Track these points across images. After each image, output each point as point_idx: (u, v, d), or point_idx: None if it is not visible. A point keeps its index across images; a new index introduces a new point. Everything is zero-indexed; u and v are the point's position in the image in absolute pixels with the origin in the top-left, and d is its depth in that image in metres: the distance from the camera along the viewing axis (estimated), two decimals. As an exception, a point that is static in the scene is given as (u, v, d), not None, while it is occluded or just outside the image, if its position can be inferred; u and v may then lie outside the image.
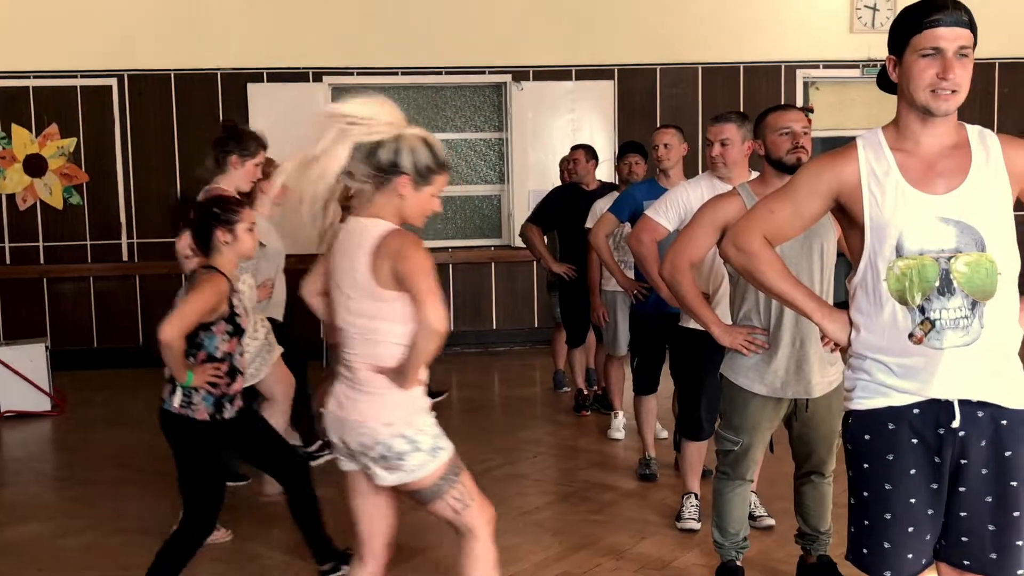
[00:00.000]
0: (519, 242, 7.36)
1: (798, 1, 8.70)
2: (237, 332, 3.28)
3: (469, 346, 8.65)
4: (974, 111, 8.58)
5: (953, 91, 2.13)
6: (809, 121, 8.59)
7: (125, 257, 8.24)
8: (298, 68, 8.32)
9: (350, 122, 2.40)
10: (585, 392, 6.31)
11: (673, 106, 8.64)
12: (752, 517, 4.08)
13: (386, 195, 2.47)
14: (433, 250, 8.50)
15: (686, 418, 4.11)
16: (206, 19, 8.16)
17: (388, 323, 2.46)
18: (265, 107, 8.26)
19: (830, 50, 8.65)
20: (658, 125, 5.99)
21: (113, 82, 8.14)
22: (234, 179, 4.16)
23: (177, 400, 3.21)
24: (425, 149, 2.48)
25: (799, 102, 8.63)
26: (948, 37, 2.12)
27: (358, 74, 8.42)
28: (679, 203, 3.84)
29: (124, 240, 8.25)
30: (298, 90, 8.33)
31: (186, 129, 8.27)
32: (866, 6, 8.65)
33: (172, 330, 3.07)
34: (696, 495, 4.13)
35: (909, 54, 2.16)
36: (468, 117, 8.80)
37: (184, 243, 3.75)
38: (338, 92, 8.53)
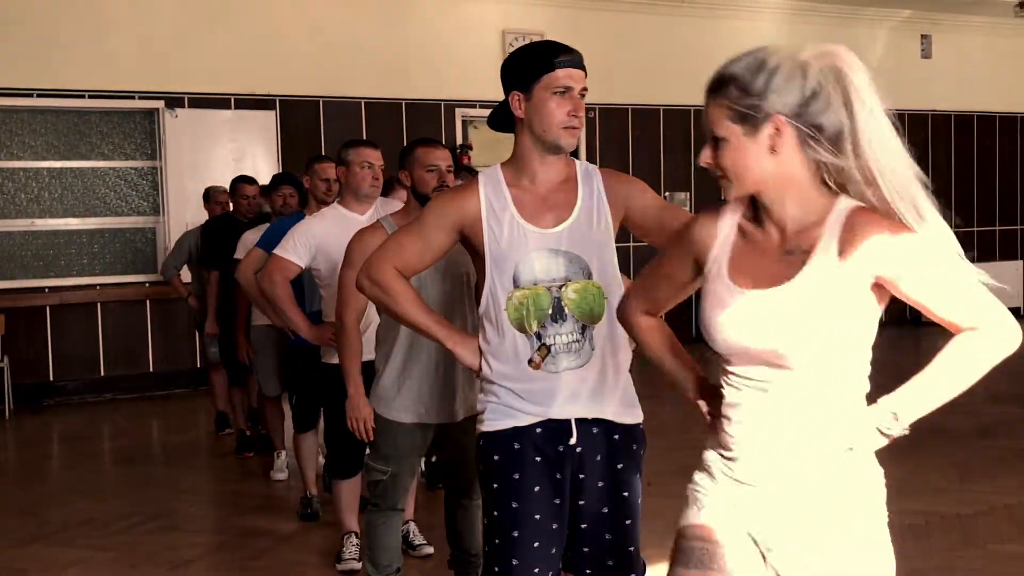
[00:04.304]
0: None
1: (455, 43, 9.07)
2: None
3: (123, 392, 8.02)
4: (612, 152, 9.42)
5: (576, 128, 2.30)
6: (469, 158, 8.89)
7: None
8: (-95, 85, 7.32)
9: None
10: (248, 433, 6.05)
11: (338, 139, 8.62)
12: (412, 547, 4.10)
13: None
14: (78, 288, 7.95)
15: (335, 457, 4.02)
16: None
17: None
18: None
19: (484, 91, 9.07)
20: (322, 156, 5.90)
21: None
22: None
23: None
24: None
25: (459, 139, 8.99)
26: (576, 78, 2.29)
27: (-17, 94, 7.57)
28: (306, 238, 3.83)
29: None
30: (-93, 110, 7.33)
31: None
32: (516, 51, 9.22)
33: None
34: (356, 533, 4.06)
35: (540, 91, 2.28)
36: (116, 144, 8.19)
37: None
38: (-42, 113, 7.61)
